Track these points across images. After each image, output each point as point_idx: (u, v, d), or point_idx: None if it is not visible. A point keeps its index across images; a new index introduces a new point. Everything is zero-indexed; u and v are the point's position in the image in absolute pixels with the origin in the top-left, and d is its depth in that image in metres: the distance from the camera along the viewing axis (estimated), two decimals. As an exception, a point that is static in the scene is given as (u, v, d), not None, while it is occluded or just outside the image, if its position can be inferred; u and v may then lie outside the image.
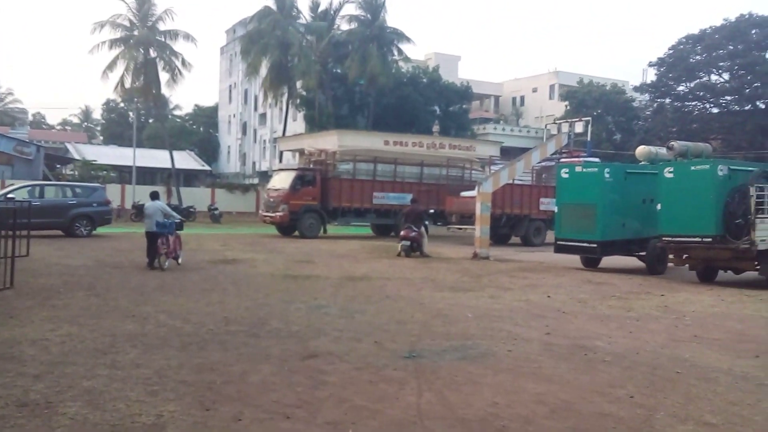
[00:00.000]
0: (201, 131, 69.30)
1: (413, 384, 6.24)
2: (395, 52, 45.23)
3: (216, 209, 37.27)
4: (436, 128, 41.30)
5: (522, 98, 65.64)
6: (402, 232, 18.94)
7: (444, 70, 51.92)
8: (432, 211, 24.74)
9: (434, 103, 47.91)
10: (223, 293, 11.32)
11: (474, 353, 7.52)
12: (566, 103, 52.63)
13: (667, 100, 52.59)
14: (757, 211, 13.79)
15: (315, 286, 12.45)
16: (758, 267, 14.28)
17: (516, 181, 24.74)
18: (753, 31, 48.10)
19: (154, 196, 15.45)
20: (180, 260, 15.05)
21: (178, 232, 15.09)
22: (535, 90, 63.65)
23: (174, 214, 15.27)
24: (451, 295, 11.90)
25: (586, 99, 51.08)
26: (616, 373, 6.86)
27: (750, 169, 15.15)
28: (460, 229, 24.85)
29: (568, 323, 9.58)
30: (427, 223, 23.21)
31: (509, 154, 38.09)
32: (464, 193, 24.40)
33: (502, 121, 61.48)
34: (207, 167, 55.85)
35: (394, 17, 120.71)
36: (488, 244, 19.30)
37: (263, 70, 44.10)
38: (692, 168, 14.82)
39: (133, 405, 5.32)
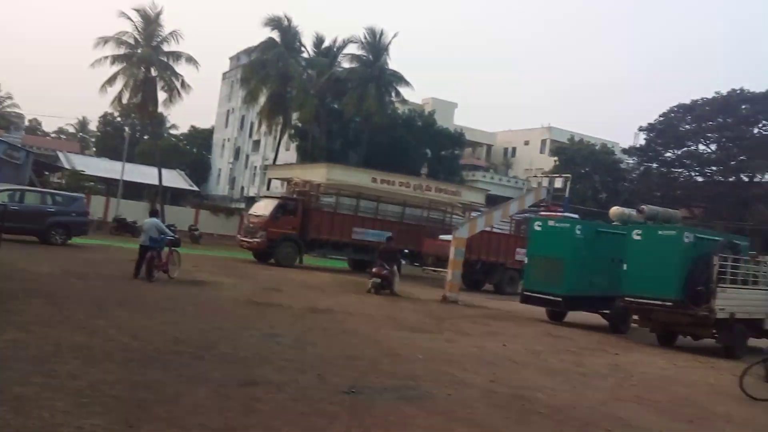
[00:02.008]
0: (194, 152, 69.56)
1: (344, 419, 6.33)
2: (393, 94, 45.81)
3: (196, 230, 37.26)
4: (424, 171, 41.68)
5: (513, 149, 66.45)
6: (374, 269, 19.08)
7: (440, 115, 52.59)
8: (407, 250, 24.88)
9: (426, 147, 48.39)
10: (181, 313, 11.39)
11: (413, 394, 7.62)
12: (555, 158, 53.30)
13: (654, 165, 53.43)
14: (719, 280, 14.02)
15: (275, 314, 12.52)
16: (716, 335, 14.46)
17: (495, 230, 25.02)
18: (743, 107, 49.17)
19: (153, 213, 17.31)
20: (173, 275, 16.33)
21: (176, 249, 16.85)
22: (526, 143, 64.49)
23: (167, 231, 16.59)
24: (408, 335, 12.00)
25: (575, 156, 51.75)
26: (547, 426, 6.98)
27: (715, 238, 15.47)
28: (435, 271, 24.99)
29: (516, 373, 9.70)
30: (403, 261, 23.36)
31: (495, 202, 38.34)
32: (442, 237, 24.61)
33: (491, 169, 62.11)
34: (195, 187, 55.91)
35: (395, 60, 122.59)
36: (458, 289, 19.43)
37: (262, 99, 44.61)
38: (659, 232, 15.14)
39: (58, 415, 5.38)
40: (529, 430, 6.74)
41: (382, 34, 44.75)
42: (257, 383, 7.24)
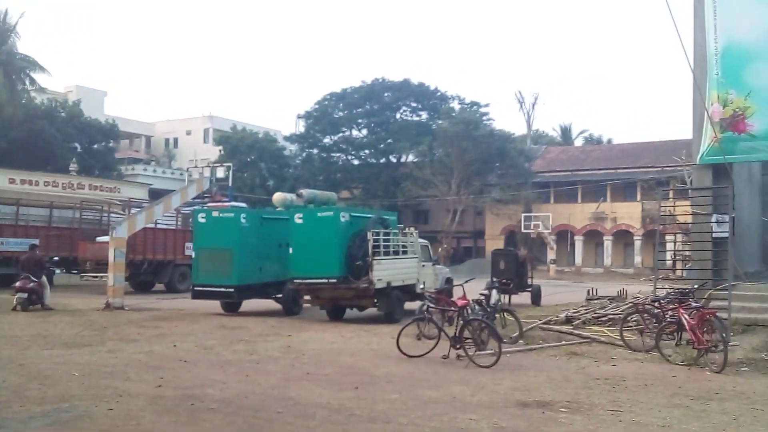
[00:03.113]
0: None
1: (-27, 466, 5.23)
2: (27, 82, 40.68)
3: None
4: (74, 167, 37.73)
5: (176, 140, 64.48)
6: (18, 284, 16.64)
7: (87, 105, 48.31)
8: (56, 258, 22.31)
9: (75, 140, 44.07)
10: None
11: (67, 417, 6.72)
12: (220, 147, 53.15)
13: (315, 151, 56.80)
14: (374, 253, 15.23)
15: None
16: (377, 303, 15.75)
17: (160, 226, 23.81)
18: (386, 94, 54.98)
19: None
20: None
21: None
22: (189, 132, 63.11)
23: None
24: (62, 352, 10.63)
25: (240, 145, 52.29)
26: (218, 421, 6.70)
27: (368, 216, 16.82)
28: (95, 277, 22.84)
29: (186, 372, 9.22)
30: (57, 270, 20.92)
31: (160, 197, 36.56)
32: (100, 239, 22.60)
33: (153, 162, 59.35)
34: None
35: (27, 44, 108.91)
36: (123, 293, 18.03)
37: None
38: (318, 214, 15.90)
39: None
40: (199, 429, 6.39)
41: (6, 14, 39.42)
42: None
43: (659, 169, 42.03)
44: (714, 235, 14.75)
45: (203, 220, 16.95)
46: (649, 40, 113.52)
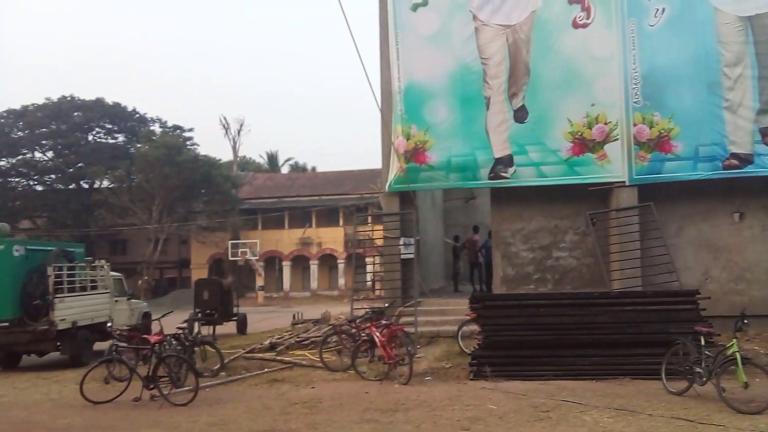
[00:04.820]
0: None
1: None
2: None
3: None
4: None
5: None
6: None
7: None
8: None
9: None
10: None
11: None
12: None
13: (-12, 175, 49.54)
14: (56, 290, 13.66)
15: None
16: (60, 347, 14.02)
17: None
18: (75, 113, 50.20)
19: None
20: None
21: None
22: None
23: None
24: None
25: None
26: None
27: (49, 248, 15.04)
28: None
29: None
30: None
31: None
32: None
33: None
34: None
35: None
36: None
37: None
38: (-14, 248, 13.72)
39: None
40: None
41: None
42: None
43: (359, 196, 45.11)
44: (402, 256, 16.03)
45: None
46: (349, 75, 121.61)
